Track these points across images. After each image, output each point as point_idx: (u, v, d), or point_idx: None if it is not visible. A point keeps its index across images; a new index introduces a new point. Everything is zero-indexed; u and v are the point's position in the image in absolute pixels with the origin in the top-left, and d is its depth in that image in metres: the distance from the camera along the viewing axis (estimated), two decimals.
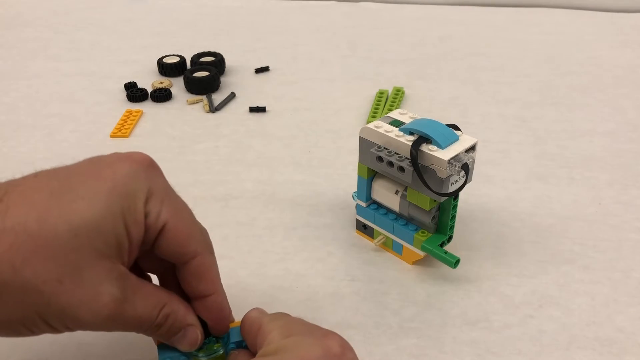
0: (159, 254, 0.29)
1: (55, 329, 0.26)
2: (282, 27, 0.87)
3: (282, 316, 0.29)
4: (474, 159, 0.37)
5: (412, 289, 0.40)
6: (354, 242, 0.44)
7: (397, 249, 0.42)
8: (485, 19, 0.89)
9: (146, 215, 0.27)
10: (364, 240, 0.44)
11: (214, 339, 0.32)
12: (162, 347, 0.30)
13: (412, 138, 0.37)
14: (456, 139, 0.37)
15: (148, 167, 0.28)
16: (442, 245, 0.40)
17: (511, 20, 0.88)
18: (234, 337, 0.31)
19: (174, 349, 0.30)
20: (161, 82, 0.68)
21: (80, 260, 0.25)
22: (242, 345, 0.31)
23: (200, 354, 0.31)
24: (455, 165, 0.35)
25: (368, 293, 0.40)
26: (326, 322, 0.37)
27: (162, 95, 0.65)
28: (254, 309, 0.30)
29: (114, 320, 0.26)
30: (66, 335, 0.36)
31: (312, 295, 0.39)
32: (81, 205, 0.25)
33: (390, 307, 0.38)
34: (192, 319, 0.30)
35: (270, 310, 0.31)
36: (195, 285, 0.30)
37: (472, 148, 0.37)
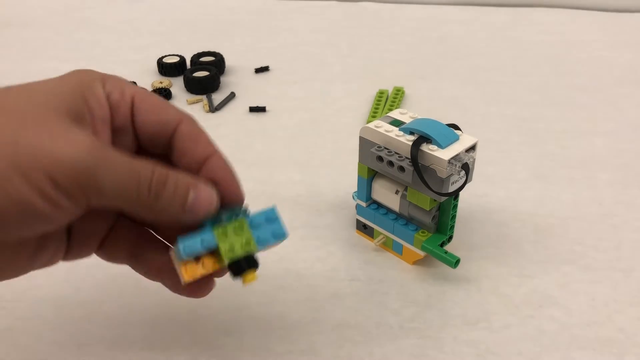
0: (142, 132, 0.28)
1: (41, 190, 0.22)
2: (282, 27, 0.87)
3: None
4: (474, 159, 0.37)
5: (412, 289, 0.40)
6: (354, 242, 0.44)
7: (397, 249, 0.42)
8: (486, 18, 0.89)
9: (108, 95, 0.27)
10: (364, 240, 0.44)
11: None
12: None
13: (412, 138, 0.37)
14: (456, 138, 0.37)
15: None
16: (442, 245, 0.40)
17: (511, 20, 0.88)
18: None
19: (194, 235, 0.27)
20: (161, 82, 0.68)
21: (42, 112, 0.24)
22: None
23: (223, 215, 0.28)
24: (456, 165, 0.35)
25: (368, 293, 0.40)
26: (326, 322, 0.37)
27: (161, 95, 0.65)
28: None
29: (99, 157, 0.23)
30: (66, 336, 0.36)
31: (312, 295, 0.39)
32: (36, 83, 0.27)
33: (391, 307, 0.38)
34: (197, 178, 0.27)
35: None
36: (193, 150, 0.28)
37: (472, 148, 0.37)
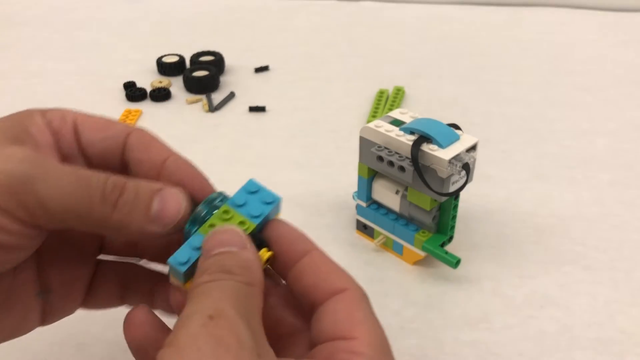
0: (92, 153, 0.27)
1: None
2: (282, 26, 0.87)
3: (375, 322, 0.23)
4: (475, 159, 0.37)
5: (413, 290, 0.40)
6: (354, 242, 0.44)
7: (398, 249, 0.42)
8: (486, 18, 0.88)
9: (49, 123, 0.26)
10: (364, 240, 0.44)
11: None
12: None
13: (413, 137, 0.37)
14: (457, 138, 0.37)
15: None
16: (442, 245, 0.40)
17: (512, 20, 0.88)
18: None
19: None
20: (160, 82, 0.68)
21: None
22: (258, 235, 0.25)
23: (200, 207, 0.25)
24: (456, 165, 0.35)
25: (368, 293, 0.39)
26: None
27: (161, 95, 0.65)
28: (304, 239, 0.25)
29: (36, 166, 0.21)
30: (65, 336, 0.36)
31: None
32: None
33: (391, 308, 0.38)
34: (160, 184, 0.24)
35: None
36: (146, 157, 0.26)
37: (473, 147, 0.37)
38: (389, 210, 0.42)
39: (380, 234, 0.42)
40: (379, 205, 0.42)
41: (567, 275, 0.41)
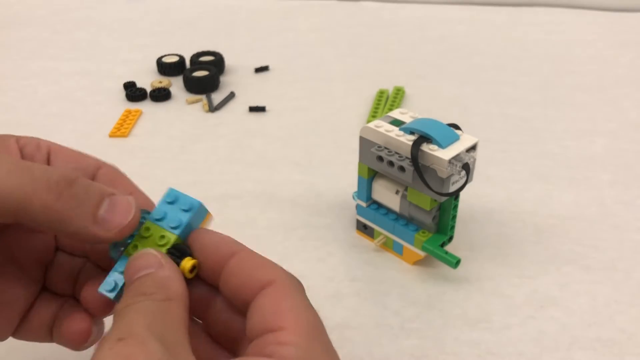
0: None
1: None
2: (282, 26, 0.87)
3: (304, 308, 0.23)
4: (475, 159, 0.37)
5: (413, 290, 0.40)
6: (354, 242, 0.44)
7: (398, 249, 0.42)
8: (486, 18, 0.88)
9: (22, 148, 0.26)
10: (364, 240, 0.44)
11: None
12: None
13: (413, 137, 0.37)
14: (457, 138, 0.37)
15: None
16: (442, 245, 0.40)
17: (512, 20, 0.88)
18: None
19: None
20: (160, 82, 0.68)
21: None
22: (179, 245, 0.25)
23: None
24: (456, 165, 0.35)
25: (368, 293, 0.39)
26: (326, 322, 0.37)
27: (161, 95, 0.65)
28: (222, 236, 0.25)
29: None
30: None
31: (312, 295, 0.39)
32: None
33: (391, 308, 0.38)
34: (115, 190, 0.24)
35: None
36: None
37: (473, 148, 0.37)
38: (389, 210, 0.42)
39: (380, 234, 0.42)
40: (379, 205, 0.42)
41: (567, 275, 0.41)
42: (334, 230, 0.45)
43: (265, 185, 0.50)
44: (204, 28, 0.86)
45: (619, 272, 0.41)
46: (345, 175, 0.51)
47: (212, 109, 0.63)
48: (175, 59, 0.71)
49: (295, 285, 0.24)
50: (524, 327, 0.37)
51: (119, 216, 0.23)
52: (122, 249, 0.25)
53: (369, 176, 0.41)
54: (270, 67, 0.73)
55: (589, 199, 0.48)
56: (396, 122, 0.39)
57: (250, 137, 0.58)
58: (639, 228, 0.45)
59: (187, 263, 0.24)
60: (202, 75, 0.66)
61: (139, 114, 0.62)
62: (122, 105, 0.64)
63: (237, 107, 0.64)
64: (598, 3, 0.91)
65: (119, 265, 0.24)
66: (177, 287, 0.22)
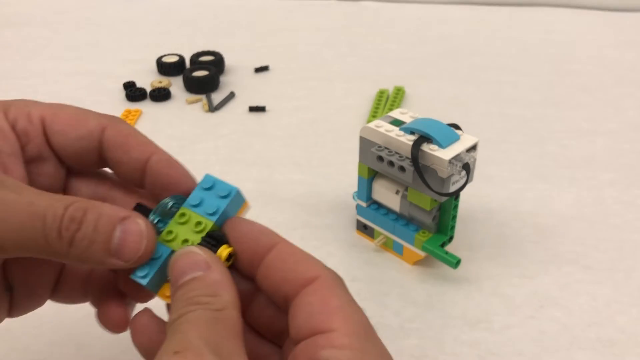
0: (64, 154, 0.25)
1: None
2: (282, 26, 0.87)
3: (352, 307, 0.22)
4: (475, 159, 0.37)
5: (413, 290, 0.40)
6: (354, 242, 0.44)
7: (398, 249, 0.42)
8: (486, 17, 0.88)
9: (13, 124, 0.24)
10: (365, 240, 0.44)
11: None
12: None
13: (413, 137, 0.36)
14: (457, 138, 0.37)
15: None
16: (442, 245, 0.40)
17: (512, 19, 0.88)
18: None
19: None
20: (160, 82, 0.68)
21: None
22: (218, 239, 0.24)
23: (151, 216, 0.25)
24: (456, 165, 0.35)
25: (368, 293, 0.39)
26: None
27: (161, 95, 0.65)
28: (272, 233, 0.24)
29: None
30: (65, 336, 0.36)
31: None
32: None
33: (391, 308, 0.38)
34: (125, 212, 0.22)
35: None
36: (127, 157, 0.25)
37: (473, 147, 0.37)
38: (389, 210, 0.42)
39: (380, 234, 0.42)
40: (379, 205, 0.42)
41: (567, 275, 0.41)
42: (334, 230, 0.45)
43: (265, 185, 0.50)
44: (204, 28, 0.86)
45: (619, 272, 0.41)
46: (345, 175, 0.51)
47: (212, 109, 0.63)
48: (175, 58, 0.71)
49: (340, 282, 0.23)
50: (524, 327, 0.37)
51: (131, 246, 0.22)
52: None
53: (369, 176, 0.41)
54: (270, 67, 0.73)
55: (589, 199, 0.48)
56: (396, 122, 0.39)
57: (250, 137, 0.58)
58: (639, 228, 0.45)
59: (224, 251, 0.23)
60: (202, 75, 0.66)
61: (138, 114, 0.62)
62: (122, 105, 0.64)
63: (237, 107, 0.64)
64: (598, 3, 0.91)
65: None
66: (231, 293, 0.21)
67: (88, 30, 0.85)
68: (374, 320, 0.37)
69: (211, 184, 0.25)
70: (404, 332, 0.36)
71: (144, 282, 0.23)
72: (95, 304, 0.27)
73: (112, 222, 0.22)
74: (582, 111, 0.62)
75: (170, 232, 0.24)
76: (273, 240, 0.23)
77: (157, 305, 0.26)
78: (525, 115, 0.61)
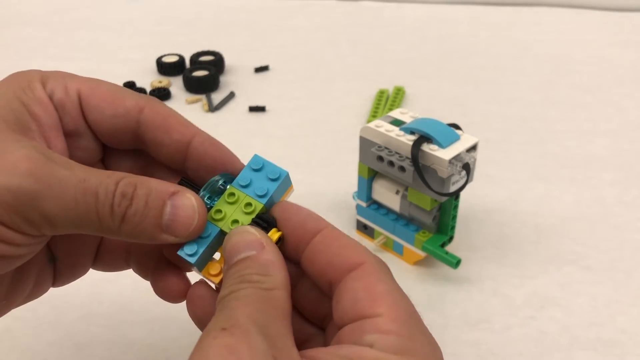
0: (100, 131, 0.25)
1: None
2: (282, 26, 0.87)
3: (398, 293, 0.21)
4: (475, 159, 0.37)
5: (413, 290, 0.40)
6: None
7: (398, 250, 0.42)
8: (487, 17, 0.88)
9: (51, 95, 0.24)
10: (365, 240, 0.44)
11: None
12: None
13: (413, 137, 0.36)
14: (457, 138, 0.36)
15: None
16: (443, 245, 0.40)
17: (512, 19, 0.88)
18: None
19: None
20: (160, 82, 0.68)
21: None
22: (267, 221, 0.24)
23: (201, 193, 0.25)
24: (457, 165, 0.35)
25: None
26: None
27: (160, 95, 0.65)
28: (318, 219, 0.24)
29: (42, 179, 0.20)
30: (65, 336, 0.36)
31: None
32: None
33: None
34: (174, 186, 0.22)
35: None
36: (167, 139, 0.24)
37: (473, 147, 0.37)
38: (389, 211, 0.42)
39: (380, 234, 0.42)
40: (379, 206, 0.42)
41: (567, 275, 0.41)
42: None
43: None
44: (204, 28, 0.86)
45: (619, 272, 0.41)
46: (345, 175, 0.51)
47: (212, 108, 0.63)
48: (175, 58, 0.71)
49: (385, 269, 0.23)
50: (525, 328, 0.37)
51: (183, 221, 0.22)
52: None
53: (369, 176, 0.41)
54: (270, 67, 0.73)
55: (589, 199, 0.48)
56: (396, 122, 0.39)
57: (250, 137, 0.58)
58: (639, 228, 0.45)
59: (274, 235, 0.23)
60: (202, 75, 0.66)
61: None
62: None
63: (237, 107, 0.64)
64: (598, 3, 0.91)
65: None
66: (282, 274, 0.21)
67: (88, 30, 0.85)
68: None
69: (260, 165, 0.25)
70: None
71: (192, 260, 0.23)
72: (144, 274, 0.27)
73: (162, 197, 0.22)
74: (582, 111, 0.62)
75: (219, 211, 0.24)
76: (319, 225, 0.23)
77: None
78: (525, 115, 0.61)
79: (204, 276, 0.24)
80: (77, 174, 0.21)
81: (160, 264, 0.26)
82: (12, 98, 0.22)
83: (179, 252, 0.23)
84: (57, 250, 0.26)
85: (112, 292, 0.39)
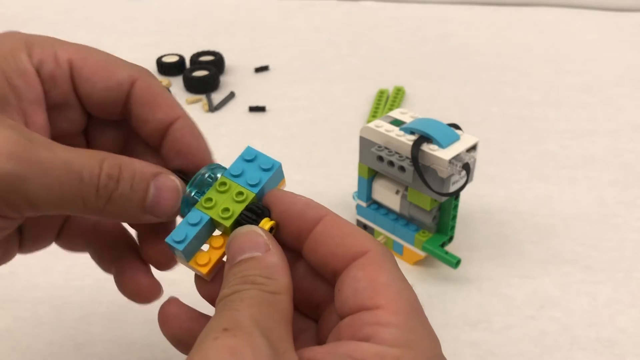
0: (89, 103, 0.24)
1: None
2: (282, 26, 0.87)
3: (401, 284, 0.21)
4: (475, 159, 0.37)
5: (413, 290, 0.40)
6: None
7: (398, 249, 0.42)
8: (486, 17, 0.88)
9: (39, 67, 0.23)
10: None
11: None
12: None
13: (413, 137, 0.36)
14: (457, 138, 0.37)
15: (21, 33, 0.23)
16: (443, 245, 0.40)
17: (512, 19, 0.88)
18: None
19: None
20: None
21: None
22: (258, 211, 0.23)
23: (189, 189, 0.24)
24: (456, 165, 0.35)
25: None
26: None
27: None
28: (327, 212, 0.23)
29: (24, 162, 0.19)
30: (65, 337, 0.36)
31: None
32: None
33: None
34: (156, 167, 0.23)
35: None
36: (152, 116, 0.24)
37: (473, 147, 0.37)
38: (389, 210, 0.42)
39: (380, 234, 0.42)
40: (379, 205, 0.42)
41: (567, 275, 0.41)
42: None
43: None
44: (204, 28, 0.86)
45: (619, 272, 0.41)
46: (345, 175, 0.51)
47: (212, 108, 0.63)
48: (175, 58, 0.71)
49: (390, 257, 0.22)
50: (524, 327, 0.37)
51: (166, 203, 0.22)
52: (191, 203, 0.24)
53: (369, 176, 0.41)
54: (270, 67, 0.73)
55: (589, 199, 0.48)
56: (396, 122, 0.39)
57: (250, 137, 0.58)
58: (639, 228, 0.45)
59: (267, 224, 0.23)
60: (202, 75, 0.66)
61: None
62: None
63: (237, 107, 0.64)
64: (598, 3, 0.91)
65: (191, 217, 0.23)
66: (286, 278, 0.21)
67: (88, 30, 0.85)
68: None
69: (253, 156, 0.25)
70: None
71: (180, 247, 0.23)
72: (104, 266, 0.27)
73: (146, 178, 0.22)
74: (582, 111, 0.62)
75: (209, 199, 0.24)
76: (319, 213, 0.23)
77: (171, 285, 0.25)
78: (525, 115, 0.61)
79: (191, 266, 0.24)
80: (59, 155, 0.20)
81: (125, 257, 0.26)
82: None
83: (167, 240, 0.23)
84: (24, 222, 0.25)
85: (112, 292, 0.39)
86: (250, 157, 0.25)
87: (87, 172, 0.21)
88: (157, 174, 0.22)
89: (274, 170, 0.25)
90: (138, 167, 0.22)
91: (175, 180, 0.23)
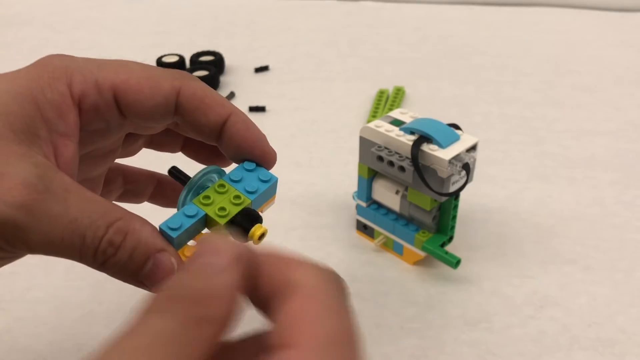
0: (136, 121, 0.24)
1: None
2: (282, 26, 0.87)
3: (329, 316, 0.17)
4: (475, 159, 0.37)
5: (413, 290, 0.40)
6: (354, 242, 0.44)
7: (398, 250, 0.42)
8: (487, 17, 0.88)
9: (81, 99, 0.23)
10: (364, 240, 0.44)
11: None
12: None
13: (413, 137, 0.36)
14: (457, 138, 0.37)
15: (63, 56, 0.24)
16: (442, 245, 0.40)
17: (512, 19, 0.88)
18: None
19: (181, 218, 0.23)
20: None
21: None
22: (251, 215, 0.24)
23: (195, 178, 0.26)
24: (456, 165, 0.35)
25: (368, 294, 0.39)
26: None
27: None
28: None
29: (32, 214, 0.19)
30: (65, 337, 0.36)
31: None
32: None
33: (391, 308, 0.38)
34: (162, 243, 0.22)
35: None
36: (203, 120, 0.24)
37: (473, 147, 0.37)
38: (389, 210, 0.42)
39: (380, 234, 0.42)
40: (379, 205, 0.42)
41: (567, 275, 0.41)
42: (334, 230, 0.45)
43: None
44: (204, 28, 0.86)
45: (619, 272, 0.41)
46: (345, 175, 0.51)
47: None
48: (175, 59, 0.71)
49: (328, 287, 0.19)
50: (524, 327, 0.37)
51: (159, 278, 0.22)
52: (192, 195, 0.25)
53: (369, 176, 0.41)
54: (270, 67, 0.73)
55: (589, 199, 0.48)
56: (396, 122, 0.39)
57: None
58: (639, 228, 0.45)
59: (258, 230, 0.24)
60: (202, 75, 0.66)
61: None
62: None
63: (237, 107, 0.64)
64: (598, 3, 0.91)
65: (187, 209, 0.24)
66: (225, 306, 0.17)
67: (88, 30, 0.85)
68: (373, 321, 0.37)
69: (253, 168, 0.26)
70: (404, 332, 0.36)
71: (173, 234, 0.23)
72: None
73: (148, 252, 0.21)
74: (582, 111, 0.62)
75: (207, 197, 0.25)
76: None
77: None
78: (525, 115, 0.61)
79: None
80: (70, 212, 0.20)
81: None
82: (27, 98, 0.21)
83: (161, 226, 0.23)
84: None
85: (112, 292, 0.39)
86: (250, 168, 0.27)
87: (90, 234, 0.20)
88: (161, 250, 0.22)
89: (271, 183, 0.26)
90: (144, 237, 0.21)
91: (173, 262, 0.22)
